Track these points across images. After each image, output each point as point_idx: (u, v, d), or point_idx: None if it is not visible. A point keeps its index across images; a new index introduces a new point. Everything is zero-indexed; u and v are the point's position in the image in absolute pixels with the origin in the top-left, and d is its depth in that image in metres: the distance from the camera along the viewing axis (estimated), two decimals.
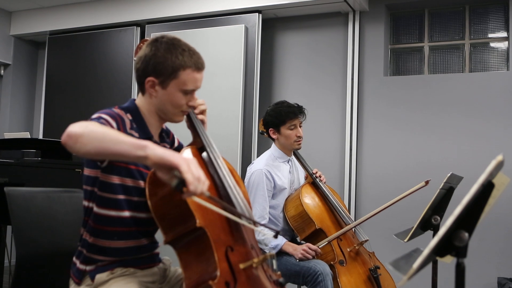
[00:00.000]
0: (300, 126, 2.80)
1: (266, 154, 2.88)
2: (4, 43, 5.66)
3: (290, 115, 2.75)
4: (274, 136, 2.84)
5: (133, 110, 1.66)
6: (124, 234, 1.61)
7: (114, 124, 1.52)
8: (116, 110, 1.60)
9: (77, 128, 1.33)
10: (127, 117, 1.60)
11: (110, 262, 1.61)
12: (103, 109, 1.60)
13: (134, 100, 1.70)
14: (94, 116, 1.53)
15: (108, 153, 1.34)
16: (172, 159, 1.29)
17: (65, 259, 1.71)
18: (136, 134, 1.61)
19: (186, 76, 1.60)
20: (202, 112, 1.75)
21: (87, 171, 1.62)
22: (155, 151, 1.30)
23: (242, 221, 1.56)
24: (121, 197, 1.58)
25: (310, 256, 2.60)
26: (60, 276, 1.76)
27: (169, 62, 1.59)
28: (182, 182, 1.27)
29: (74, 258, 1.67)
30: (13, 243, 1.99)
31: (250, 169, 2.81)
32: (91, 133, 1.33)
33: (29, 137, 4.14)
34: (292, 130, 2.78)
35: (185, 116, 1.72)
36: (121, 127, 1.55)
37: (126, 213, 1.60)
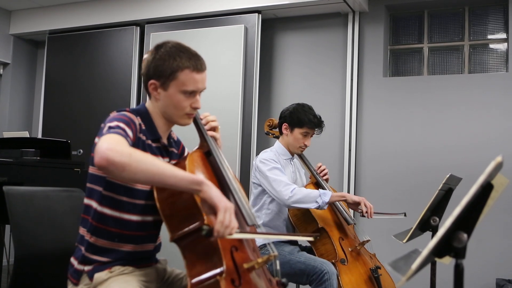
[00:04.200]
0: (311, 136, 2.84)
1: (269, 150, 2.89)
2: (3, 42, 5.65)
3: (311, 124, 2.78)
4: (285, 132, 2.85)
5: (143, 112, 1.69)
6: (126, 237, 1.62)
7: (130, 132, 1.54)
8: (128, 114, 1.62)
9: (120, 155, 1.34)
10: (137, 120, 1.63)
11: (108, 261, 1.61)
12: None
13: (145, 103, 1.74)
14: (112, 124, 1.52)
15: (161, 184, 1.44)
16: (218, 204, 1.44)
17: (63, 258, 1.71)
18: (144, 137, 1.64)
19: (184, 77, 1.62)
20: (214, 129, 1.77)
21: (92, 169, 1.63)
22: (210, 189, 1.45)
23: (258, 236, 1.63)
24: (127, 199, 1.60)
25: (366, 208, 2.65)
26: (59, 276, 1.76)
27: (167, 64, 1.62)
28: (211, 231, 1.43)
29: (72, 259, 1.67)
30: (11, 243, 1.99)
31: (257, 159, 2.81)
32: (141, 163, 1.37)
33: (28, 136, 4.14)
34: (304, 136, 2.81)
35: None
36: (134, 133, 1.57)
37: (133, 217, 1.61)
